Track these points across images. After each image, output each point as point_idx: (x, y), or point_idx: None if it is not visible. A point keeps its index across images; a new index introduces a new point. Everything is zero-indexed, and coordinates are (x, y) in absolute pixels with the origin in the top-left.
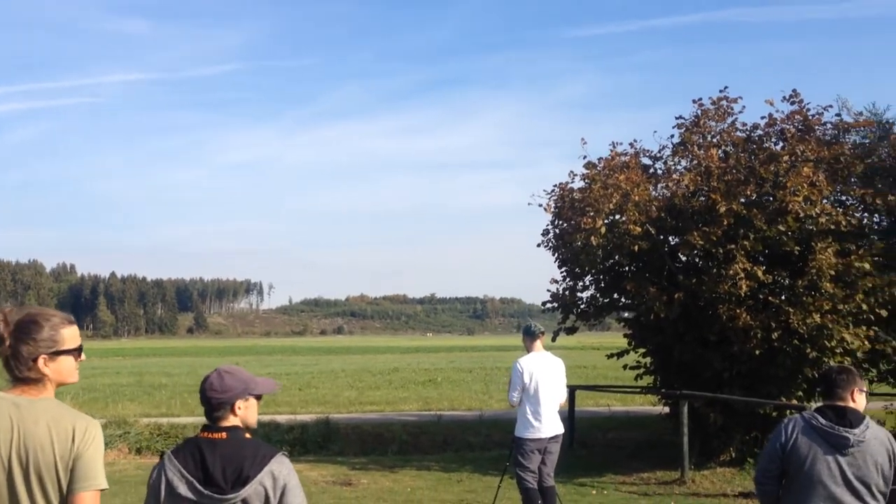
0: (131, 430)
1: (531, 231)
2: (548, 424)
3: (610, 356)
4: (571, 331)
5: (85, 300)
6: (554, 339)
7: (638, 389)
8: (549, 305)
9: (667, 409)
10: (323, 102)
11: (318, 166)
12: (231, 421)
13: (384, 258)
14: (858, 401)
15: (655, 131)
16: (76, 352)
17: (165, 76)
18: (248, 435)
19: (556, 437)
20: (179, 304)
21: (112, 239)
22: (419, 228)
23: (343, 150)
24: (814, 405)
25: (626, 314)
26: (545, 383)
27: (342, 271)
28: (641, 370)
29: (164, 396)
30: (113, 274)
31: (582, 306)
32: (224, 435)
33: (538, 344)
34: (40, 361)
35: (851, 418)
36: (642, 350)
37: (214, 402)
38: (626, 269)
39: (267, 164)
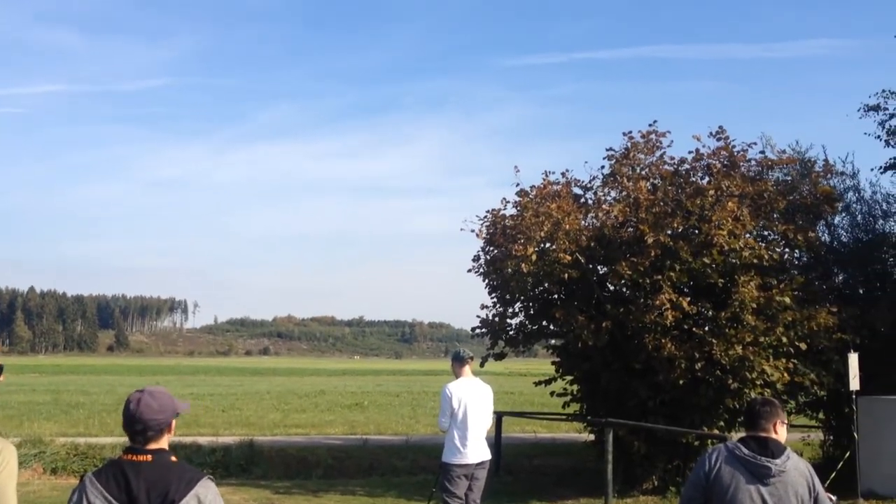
0: (47, 449)
1: (460, 256)
2: (475, 450)
3: (538, 384)
4: (500, 357)
5: (2, 314)
6: (482, 365)
7: (564, 416)
8: (478, 331)
9: (592, 437)
10: (254, 121)
11: (249, 186)
12: (160, 443)
13: (313, 280)
14: (780, 432)
15: (586, 162)
16: None
17: (93, 89)
18: (173, 458)
19: (482, 463)
20: (100, 321)
21: (32, 253)
22: (349, 251)
23: (274, 171)
24: (735, 435)
25: (553, 342)
26: (473, 409)
27: (270, 292)
28: (568, 397)
29: (81, 415)
30: (32, 288)
31: (511, 332)
32: (149, 458)
33: (467, 369)
34: None
35: (773, 449)
36: (569, 377)
37: (153, 423)
38: (556, 296)
39: (196, 181)
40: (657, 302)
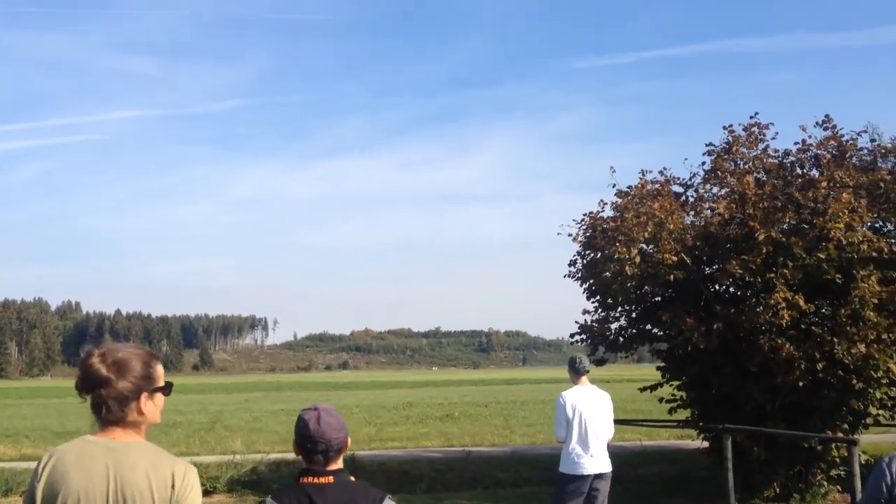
0: None
1: (534, 263)
2: (593, 461)
3: (643, 389)
4: (600, 362)
5: (90, 337)
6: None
7: (674, 423)
8: (577, 337)
9: (703, 444)
10: (324, 137)
11: (321, 201)
12: (338, 463)
13: (388, 292)
14: None
15: (686, 158)
16: (167, 389)
17: (170, 112)
18: (352, 477)
19: (603, 475)
20: (184, 341)
21: (117, 276)
22: (422, 262)
23: (345, 185)
24: (860, 438)
25: (657, 346)
26: (591, 417)
27: (347, 306)
28: (676, 403)
29: (181, 434)
30: (118, 311)
31: (611, 337)
32: (331, 479)
33: (584, 379)
34: (142, 400)
35: None
36: (676, 382)
37: (335, 442)
38: (660, 298)
39: (271, 199)
40: (772, 301)
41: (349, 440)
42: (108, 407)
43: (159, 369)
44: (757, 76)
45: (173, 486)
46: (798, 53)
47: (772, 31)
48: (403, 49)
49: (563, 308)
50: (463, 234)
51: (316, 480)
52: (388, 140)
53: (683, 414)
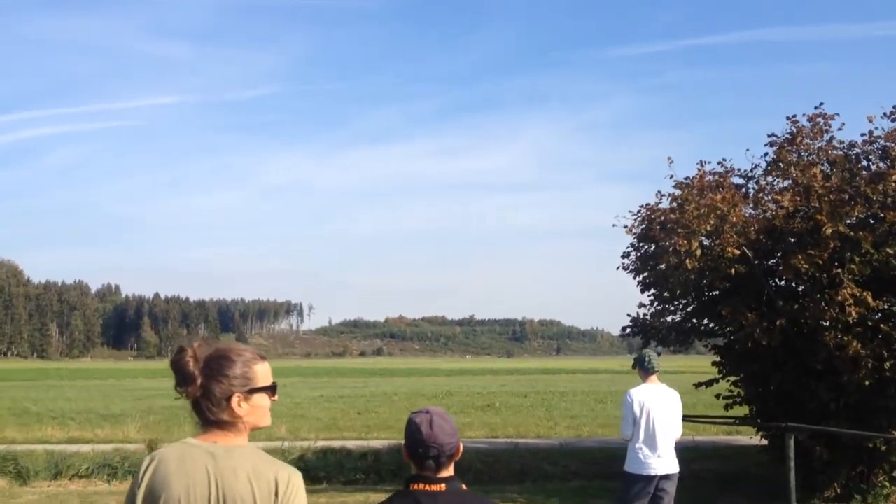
0: None
1: (570, 252)
2: (660, 461)
3: (698, 385)
4: None
5: (129, 321)
6: (634, 367)
7: (732, 420)
8: (629, 331)
9: (762, 441)
10: (356, 125)
11: (355, 188)
12: (450, 469)
13: (422, 280)
14: None
15: (748, 149)
16: (270, 390)
17: (204, 99)
18: (463, 485)
19: (670, 476)
20: (221, 325)
21: (155, 260)
22: (456, 250)
23: (379, 173)
24: None
25: (714, 341)
26: (659, 416)
27: (381, 293)
28: (736, 400)
29: None
30: (157, 294)
31: (663, 332)
32: (443, 486)
33: (654, 378)
34: (234, 401)
35: None
36: (733, 378)
37: (449, 447)
38: (717, 293)
39: (305, 186)
40: (839, 297)
41: (461, 446)
42: (204, 408)
43: (259, 369)
44: (791, 66)
45: (276, 493)
46: (834, 43)
47: (808, 21)
48: (437, 37)
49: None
50: (496, 222)
51: (427, 488)
52: (420, 128)
53: (739, 410)
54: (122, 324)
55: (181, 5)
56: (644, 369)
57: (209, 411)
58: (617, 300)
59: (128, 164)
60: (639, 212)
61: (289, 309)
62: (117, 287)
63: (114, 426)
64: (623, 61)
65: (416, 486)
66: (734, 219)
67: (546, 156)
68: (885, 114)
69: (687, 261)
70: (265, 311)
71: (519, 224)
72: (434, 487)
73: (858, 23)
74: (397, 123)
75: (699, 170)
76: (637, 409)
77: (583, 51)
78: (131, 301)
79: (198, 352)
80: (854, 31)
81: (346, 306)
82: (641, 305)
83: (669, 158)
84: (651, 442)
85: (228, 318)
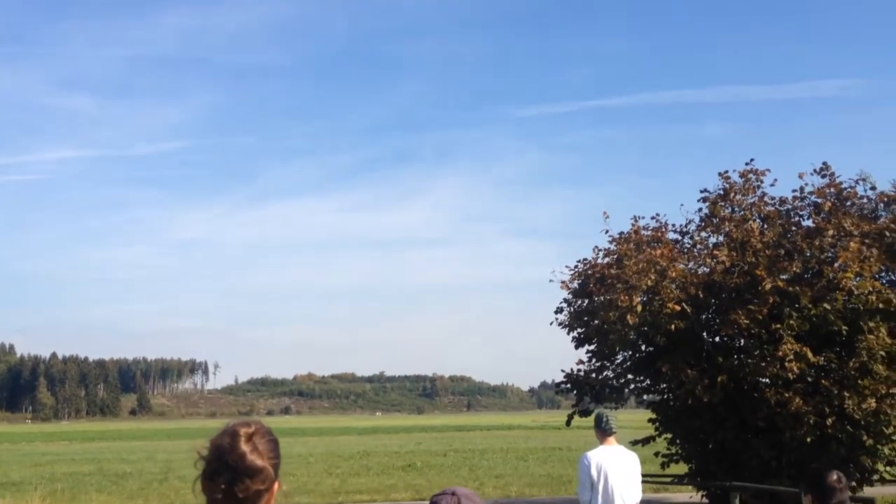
0: None
1: (480, 307)
2: None
3: (635, 443)
4: (585, 413)
5: (24, 382)
6: (568, 424)
7: (671, 479)
8: (563, 387)
9: (705, 501)
10: (268, 179)
11: (265, 243)
12: None
13: (331, 336)
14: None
15: (682, 204)
16: None
17: (108, 153)
18: None
19: None
20: (122, 385)
21: (53, 318)
22: (367, 306)
23: (289, 228)
24: (874, 498)
25: (649, 397)
26: (617, 480)
27: (289, 349)
28: (673, 457)
29: (134, 487)
30: (54, 354)
31: (597, 387)
32: None
33: (611, 439)
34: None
35: None
36: (669, 436)
37: None
38: (653, 349)
39: (212, 241)
40: (779, 353)
41: None
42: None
43: None
44: (693, 126)
45: None
46: (733, 104)
47: (707, 83)
48: (349, 92)
49: (506, 353)
50: (408, 277)
51: None
52: (333, 184)
53: (676, 469)
54: (17, 385)
55: (84, 58)
56: (602, 430)
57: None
58: (527, 355)
59: (28, 220)
60: (576, 267)
61: (193, 367)
62: (12, 347)
63: (15, 495)
64: (532, 120)
65: None
66: (673, 274)
67: (457, 211)
68: (814, 170)
69: (628, 316)
70: (168, 370)
71: (430, 280)
72: None
73: (761, 85)
74: (310, 178)
75: (633, 224)
76: (594, 473)
77: (492, 108)
78: (27, 361)
79: (255, 437)
80: (757, 93)
81: (253, 365)
82: (581, 362)
83: (605, 213)
84: None
85: (129, 377)
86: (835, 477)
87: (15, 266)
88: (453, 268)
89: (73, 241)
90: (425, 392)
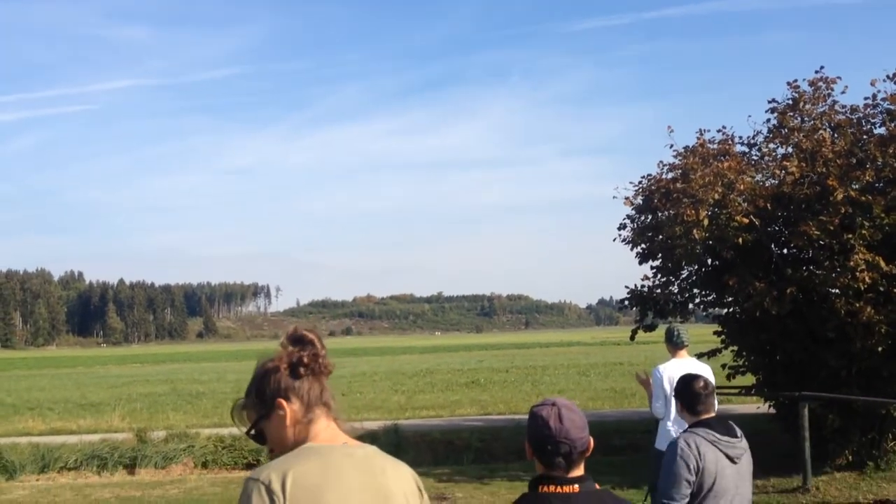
0: (195, 443)
1: (536, 226)
2: None
3: (700, 356)
4: (650, 328)
5: (94, 307)
6: (632, 338)
7: (738, 390)
8: (627, 302)
9: (772, 411)
10: (321, 105)
11: (319, 169)
12: (581, 469)
13: (389, 258)
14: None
15: (749, 116)
16: None
17: (164, 82)
18: (596, 485)
19: None
20: (188, 309)
21: (118, 245)
22: (423, 227)
23: (343, 152)
24: None
25: (715, 310)
26: None
27: (348, 272)
28: (741, 368)
29: (208, 405)
30: (121, 280)
31: (661, 302)
32: (576, 488)
33: (683, 352)
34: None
35: (733, 427)
36: (736, 348)
37: (581, 443)
38: (719, 262)
39: (268, 168)
40: (850, 263)
41: (592, 441)
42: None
43: None
44: (754, 36)
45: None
46: (792, 10)
47: None
48: (398, 16)
49: (564, 271)
50: (462, 198)
51: (559, 489)
52: (385, 106)
53: (742, 380)
54: (87, 311)
55: None
56: (673, 344)
57: (332, 398)
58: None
59: (87, 150)
60: (640, 182)
61: (256, 291)
62: (80, 274)
63: (95, 416)
64: (585, 35)
65: (546, 489)
66: (741, 187)
67: (510, 131)
68: (888, 76)
69: (694, 230)
70: (232, 294)
71: (485, 200)
72: (567, 489)
73: None
74: (363, 102)
75: (699, 138)
76: (668, 386)
77: (543, 25)
78: (95, 288)
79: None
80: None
81: (313, 287)
82: (645, 277)
83: (669, 127)
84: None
85: (195, 301)
86: (701, 384)
87: (78, 196)
88: (508, 187)
89: (133, 171)
90: (483, 311)
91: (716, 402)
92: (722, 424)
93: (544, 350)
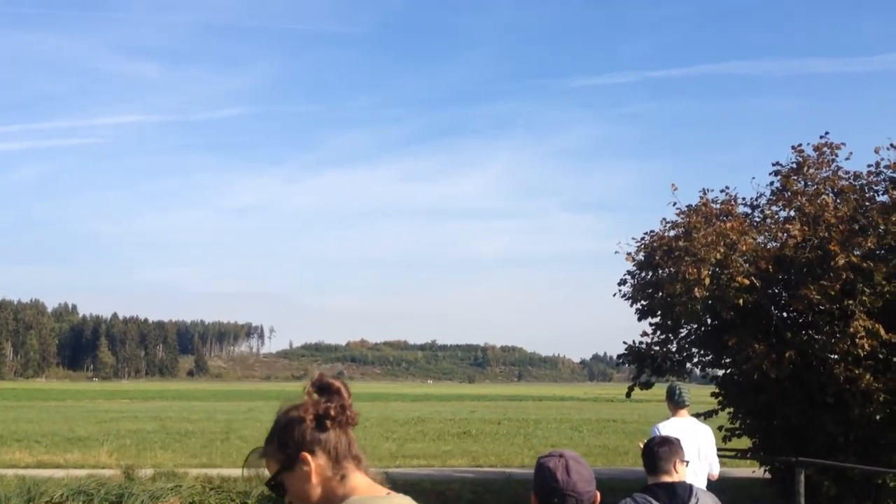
0: (182, 483)
1: (533, 279)
2: None
3: (696, 416)
4: (647, 385)
5: (86, 341)
6: (628, 395)
7: (733, 453)
8: (625, 358)
9: (769, 476)
10: (326, 148)
11: (321, 212)
12: None
13: (385, 304)
14: (681, 471)
15: (753, 177)
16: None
17: (170, 118)
18: None
19: None
20: (180, 347)
21: (114, 280)
22: (420, 275)
23: (345, 196)
24: None
25: (712, 371)
26: (689, 454)
27: (343, 316)
28: (737, 431)
29: (196, 445)
30: (115, 315)
31: (658, 360)
32: None
33: (684, 412)
34: None
35: (681, 493)
36: (732, 410)
37: (588, 496)
38: (719, 323)
39: (270, 208)
40: (850, 329)
41: (598, 495)
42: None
43: None
44: (759, 99)
45: None
46: (797, 77)
47: (771, 55)
48: (407, 63)
49: (558, 325)
50: (462, 248)
51: None
52: (389, 153)
53: (738, 443)
54: (79, 344)
55: (149, 24)
56: (675, 402)
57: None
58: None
59: (90, 182)
60: (642, 239)
61: (249, 331)
62: (74, 306)
63: (83, 450)
64: (590, 91)
65: None
66: (744, 247)
67: (511, 183)
68: (891, 144)
69: (695, 289)
70: (225, 333)
71: (484, 251)
72: None
73: (826, 57)
74: (367, 147)
75: (702, 197)
76: None
77: (547, 80)
78: (88, 321)
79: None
80: (821, 65)
81: (308, 330)
82: (644, 334)
83: (673, 185)
84: None
85: (187, 339)
86: (660, 443)
87: (78, 227)
88: (508, 239)
89: (134, 205)
90: (476, 361)
91: (684, 468)
92: (667, 492)
93: (537, 403)
